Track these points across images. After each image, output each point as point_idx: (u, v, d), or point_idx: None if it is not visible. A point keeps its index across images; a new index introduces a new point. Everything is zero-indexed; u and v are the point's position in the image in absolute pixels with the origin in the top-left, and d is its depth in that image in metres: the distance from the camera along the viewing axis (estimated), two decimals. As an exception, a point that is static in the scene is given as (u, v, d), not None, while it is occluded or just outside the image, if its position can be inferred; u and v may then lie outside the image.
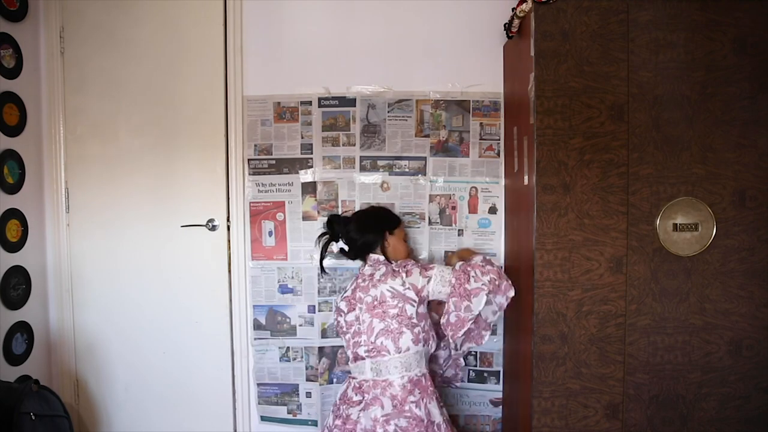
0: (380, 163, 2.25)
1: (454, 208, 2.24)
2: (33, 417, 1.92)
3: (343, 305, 1.93)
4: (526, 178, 1.84)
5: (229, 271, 2.32)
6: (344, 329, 1.92)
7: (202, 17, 2.28)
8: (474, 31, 2.21)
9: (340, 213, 2.19)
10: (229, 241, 2.31)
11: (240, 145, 2.27)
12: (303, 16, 2.25)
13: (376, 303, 1.84)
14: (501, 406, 2.27)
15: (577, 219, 1.73)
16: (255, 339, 2.31)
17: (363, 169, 2.25)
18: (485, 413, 2.28)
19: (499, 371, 2.26)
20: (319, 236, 2.07)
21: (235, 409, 2.35)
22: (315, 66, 2.25)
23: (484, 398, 2.28)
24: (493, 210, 2.23)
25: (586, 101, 1.71)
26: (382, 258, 1.97)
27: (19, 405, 1.88)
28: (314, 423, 2.30)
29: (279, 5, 2.26)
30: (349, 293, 1.94)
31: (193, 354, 2.34)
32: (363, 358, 1.85)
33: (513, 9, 1.88)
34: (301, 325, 2.29)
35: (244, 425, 2.34)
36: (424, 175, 2.24)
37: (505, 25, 2.03)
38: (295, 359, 2.30)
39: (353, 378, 1.88)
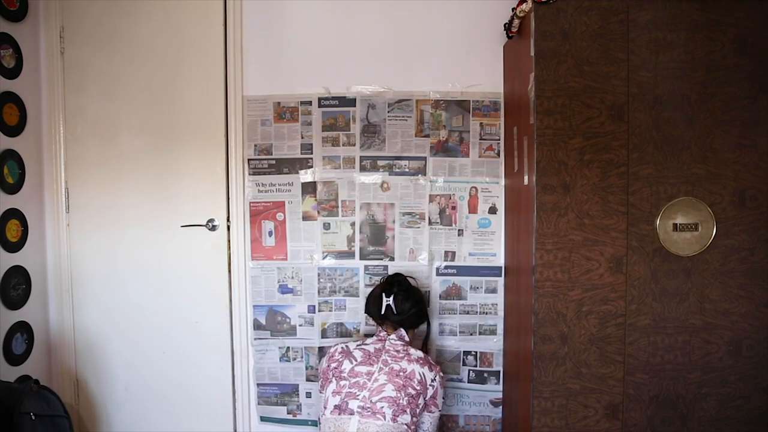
0: (380, 163, 2.25)
1: (454, 208, 2.24)
2: (33, 417, 1.92)
3: (358, 354, 1.91)
4: (526, 178, 1.84)
5: (229, 271, 2.32)
6: (343, 374, 1.87)
7: (202, 17, 2.28)
8: (474, 31, 2.21)
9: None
10: (229, 241, 2.31)
11: (240, 145, 2.27)
12: (303, 16, 2.25)
13: (402, 375, 1.84)
14: (501, 407, 2.27)
15: (577, 219, 1.73)
16: (255, 339, 2.31)
17: (363, 169, 2.25)
18: (485, 413, 2.28)
19: (499, 371, 2.26)
20: (377, 294, 2.02)
21: (235, 409, 2.35)
22: (315, 66, 2.25)
23: (484, 398, 2.28)
24: (493, 210, 2.23)
25: (586, 101, 1.71)
26: (406, 336, 1.97)
27: (19, 405, 1.88)
28: (314, 423, 2.30)
29: (279, 5, 2.26)
30: (370, 349, 1.92)
31: (193, 354, 2.34)
32: (352, 413, 1.78)
33: (513, 9, 1.89)
34: (301, 325, 2.29)
35: (244, 425, 2.34)
36: (424, 175, 2.24)
37: (505, 25, 2.03)
38: (295, 359, 2.30)
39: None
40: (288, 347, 2.31)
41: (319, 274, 2.26)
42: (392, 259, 2.25)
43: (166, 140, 2.31)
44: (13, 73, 2.19)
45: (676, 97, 1.71)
